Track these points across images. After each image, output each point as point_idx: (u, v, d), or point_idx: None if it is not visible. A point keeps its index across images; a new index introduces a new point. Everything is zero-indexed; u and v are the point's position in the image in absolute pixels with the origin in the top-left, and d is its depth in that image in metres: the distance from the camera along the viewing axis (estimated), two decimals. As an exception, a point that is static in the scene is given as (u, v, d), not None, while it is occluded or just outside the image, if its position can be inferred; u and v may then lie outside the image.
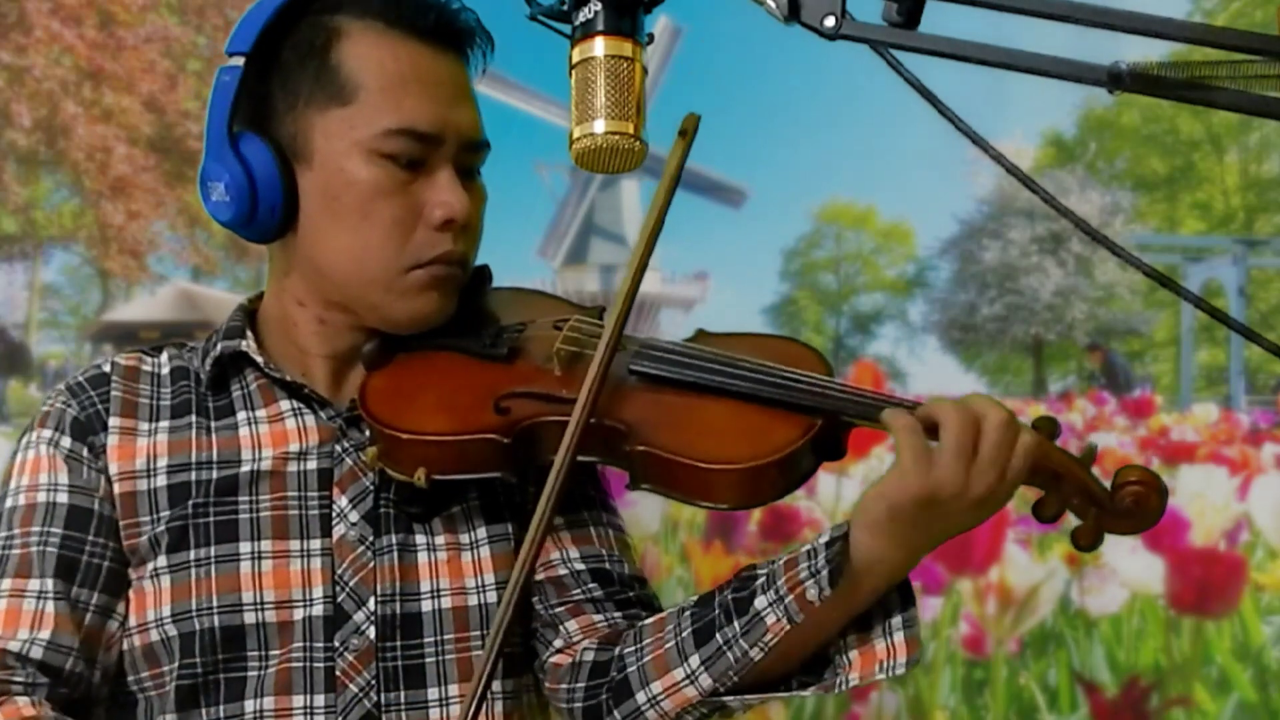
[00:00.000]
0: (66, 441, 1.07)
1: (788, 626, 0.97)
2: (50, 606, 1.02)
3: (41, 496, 1.06)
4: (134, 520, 1.06)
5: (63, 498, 1.05)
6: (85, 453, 1.07)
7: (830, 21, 0.85)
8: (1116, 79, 0.79)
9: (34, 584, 1.03)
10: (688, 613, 1.04)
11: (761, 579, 1.00)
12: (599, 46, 0.93)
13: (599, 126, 0.93)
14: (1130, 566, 3.94)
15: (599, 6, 0.93)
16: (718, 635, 1.00)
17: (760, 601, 0.98)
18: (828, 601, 0.96)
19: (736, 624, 0.99)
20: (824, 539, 0.97)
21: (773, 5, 0.86)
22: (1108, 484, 0.95)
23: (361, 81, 1.03)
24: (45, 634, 1.01)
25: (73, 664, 1.02)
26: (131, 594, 1.05)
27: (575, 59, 0.94)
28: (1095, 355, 15.86)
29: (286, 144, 1.04)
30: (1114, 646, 4.20)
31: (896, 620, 1.00)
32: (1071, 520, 0.98)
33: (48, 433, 1.07)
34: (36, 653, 1.01)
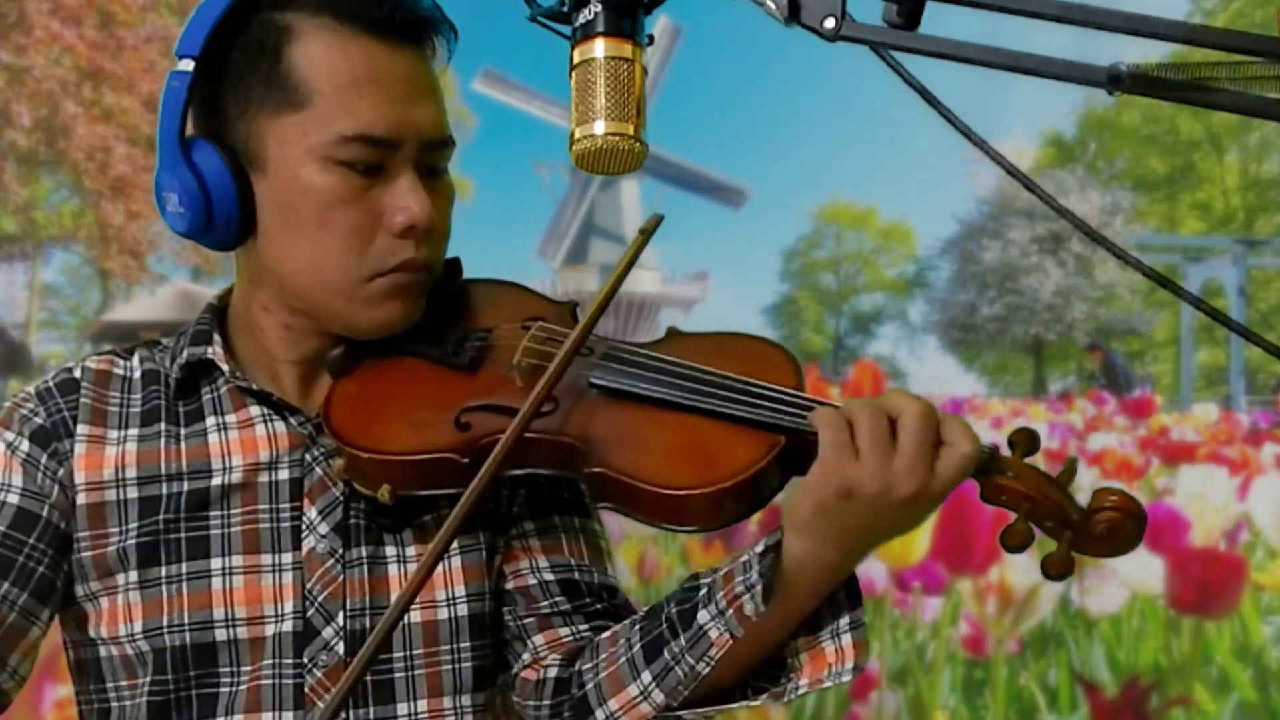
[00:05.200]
0: (25, 446, 1.04)
1: (730, 641, 0.96)
2: None
3: None
4: (102, 531, 1.03)
5: (13, 498, 1.02)
6: (44, 459, 1.04)
7: (830, 23, 0.85)
8: (1116, 80, 0.79)
9: None
10: (637, 627, 1.02)
11: (704, 591, 0.98)
12: (599, 48, 0.93)
13: (599, 128, 0.92)
14: (1130, 566, 3.94)
15: (599, 8, 0.93)
16: (665, 651, 0.99)
17: (703, 615, 0.97)
18: (765, 613, 0.94)
19: (683, 638, 0.98)
20: (758, 548, 0.95)
21: (773, 6, 0.86)
22: (1084, 503, 0.91)
23: (314, 85, 0.98)
24: None
25: None
26: (103, 605, 1.03)
27: (575, 60, 0.94)
28: (1095, 355, 15.88)
29: (240, 150, 1.01)
30: (1114, 646, 4.20)
31: (844, 621, 0.97)
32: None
33: (10, 435, 1.05)
34: None
